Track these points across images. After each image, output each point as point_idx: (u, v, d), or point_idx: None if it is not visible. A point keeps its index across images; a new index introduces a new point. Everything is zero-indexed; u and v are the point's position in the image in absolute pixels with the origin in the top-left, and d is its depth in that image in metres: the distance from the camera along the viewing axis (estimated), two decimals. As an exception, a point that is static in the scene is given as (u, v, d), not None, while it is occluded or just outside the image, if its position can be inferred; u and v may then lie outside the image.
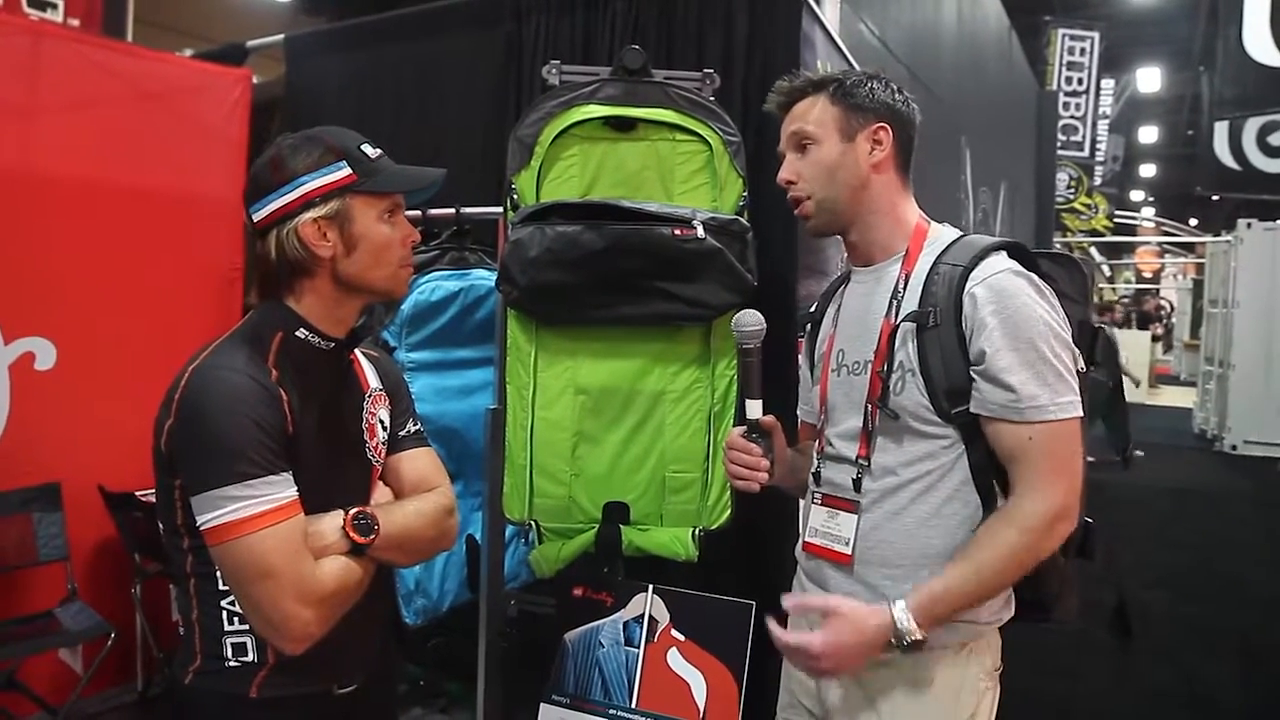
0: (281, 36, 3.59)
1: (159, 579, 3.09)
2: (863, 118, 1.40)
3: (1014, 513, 1.25)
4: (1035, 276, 1.32)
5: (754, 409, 1.47)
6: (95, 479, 2.98)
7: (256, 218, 1.24)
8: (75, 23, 4.40)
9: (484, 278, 2.65)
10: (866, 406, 1.38)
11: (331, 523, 1.23)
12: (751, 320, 1.46)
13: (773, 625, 1.30)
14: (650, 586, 2.06)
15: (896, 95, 1.43)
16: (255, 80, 3.50)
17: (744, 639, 1.94)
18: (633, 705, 1.98)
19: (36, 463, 2.89)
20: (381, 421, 1.40)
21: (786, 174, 1.44)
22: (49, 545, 2.90)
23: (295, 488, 1.18)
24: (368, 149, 1.26)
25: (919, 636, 1.22)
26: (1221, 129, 10.54)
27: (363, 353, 1.42)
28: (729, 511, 2.13)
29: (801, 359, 1.65)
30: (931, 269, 1.35)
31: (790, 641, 1.28)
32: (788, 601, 1.37)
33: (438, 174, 1.32)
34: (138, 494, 2.93)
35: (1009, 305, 1.27)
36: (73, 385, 2.96)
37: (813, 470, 1.50)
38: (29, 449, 2.87)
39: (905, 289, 1.37)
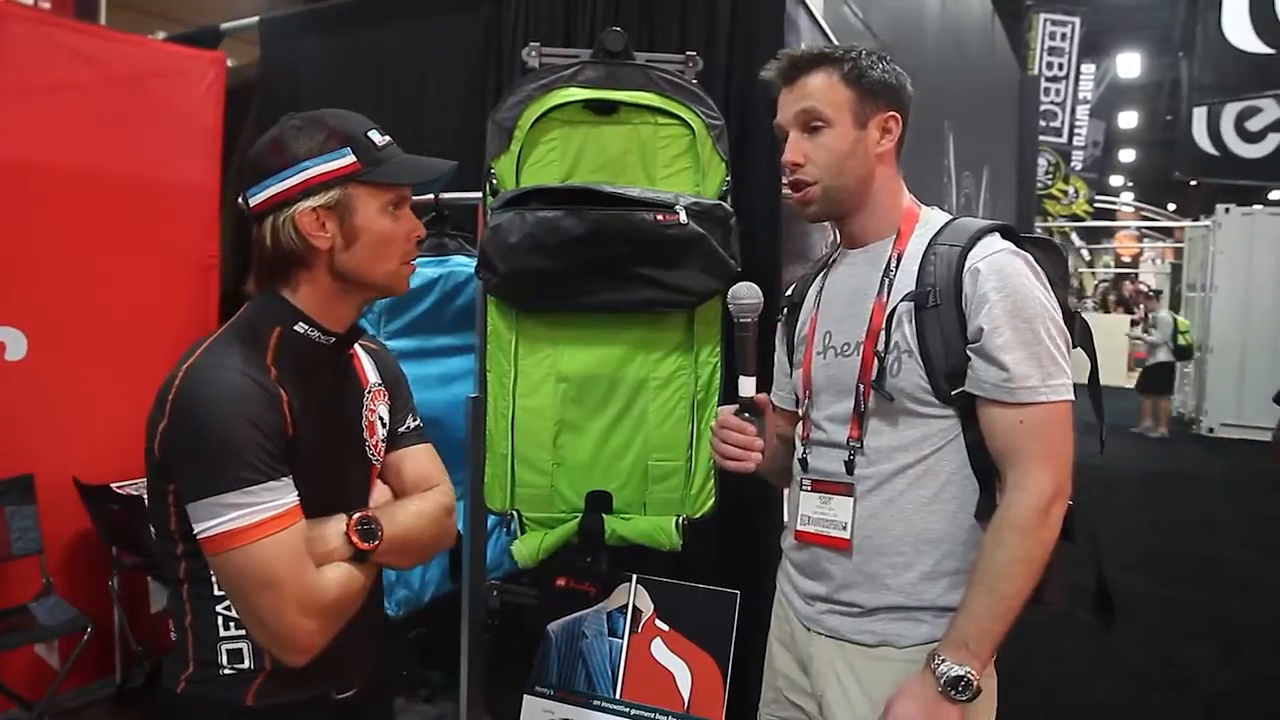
0: (256, 19, 3.52)
1: (136, 571, 3.05)
2: (875, 104, 1.35)
3: (1008, 514, 1.24)
4: (1030, 258, 1.31)
5: (748, 386, 1.43)
6: (69, 471, 2.94)
7: (253, 202, 1.17)
8: (46, 5, 4.32)
9: (463, 264, 2.61)
10: (858, 388, 1.36)
11: (334, 528, 1.18)
12: (747, 293, 1.41)
13: None
14: (634, 576, 2.04)
15: (902, 78, 1.39)
16: (230, 64, 3.43)
17: (728, 629, 1.92)
18: (617, 696, 1.96)
19: (8, 455, 2.84)
20: (381, 418, 1.34)
21: (794, 155, 1.36)
22: (23, 539, 2.86)
23: (296, 493, 1.13)
24: (375, 136, 1.20)
25: (965, 672, 1.21)
26: (1200, 114, 10.60)
27: (362, 346, 1.37)
28: (713, 500, 2.11)
29: (778, 344, 1.62)
30: (927, 250, 1.33)
31: None
32: None
33: (448, 166, 1.26)
34: (113, 486, 2.89)
35: (1009, 284, 1.26)
36: (44, 376, 2.91)
37: (799, 457, 1.48)
38: (0, 441, 2.82)
39: (897, 269, 1.35)
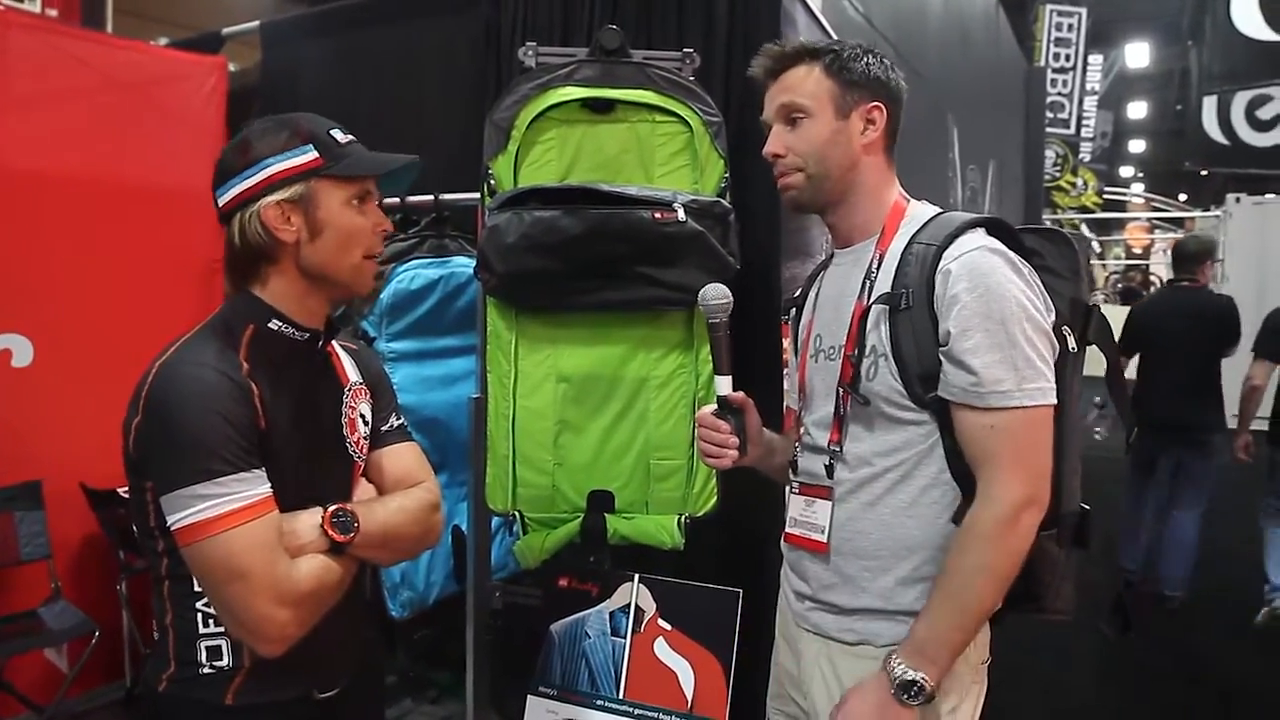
0: (257, 24, 3.53)
1: (144, 575, 3.06)
2: (857, 95, 1.35)
3: (974, 521, 1.22)
4: (1013, 254, 1.27)
5: (723, 385, 1.44)
6: (77, 476, 2.95)
7: (221, 201, 1.21)
8: (53, 13, 4.34)
9: (464, 265, 2.62)
10: (838, 392, 1.35)
11: (309, 520, 1.20)
12: (716, 294, 1.43)
13: None
14: (636, 576, 2.03)
15: (891, 72, 1.37)
16: (231, 68, 3.45)
17: (731, 627, 1.92)
18: (620, 695, 1.96)
19: (16, 461, 2.85)
20: (363, 416, 1.36)
21: (775, 147, 1.37)
22: (31, 544, 2.87)
23: (268, 485, 1.15)
24: (338, 134, 1.23)
25: (918, 677, 1.20)
26: (1210, 103, 10.54)
27: (341, 345, 1.39)
28: (715, 499, 2.11)
29: (787, 344, 1.63)
30: (906, 248, 1.30)
31: None
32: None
33: (408, 159, 1.28)
34: (120, 491, 2.90)
35: (981, 284, 1.22)
36: (51, 382, 2.92)
37: (790, 459, 1.48)
38: (8, 447, 2.84)
39: (879, 270, 1.33)
